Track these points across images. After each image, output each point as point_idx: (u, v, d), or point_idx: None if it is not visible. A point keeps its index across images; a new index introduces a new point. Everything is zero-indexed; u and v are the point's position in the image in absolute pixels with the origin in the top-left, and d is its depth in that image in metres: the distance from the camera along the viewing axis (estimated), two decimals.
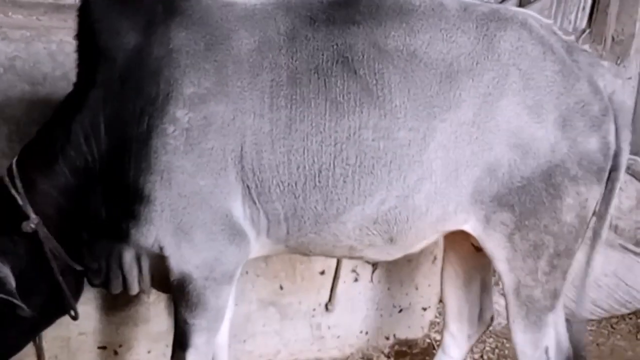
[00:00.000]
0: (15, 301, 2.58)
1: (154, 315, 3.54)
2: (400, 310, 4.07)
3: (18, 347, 2.90)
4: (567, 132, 2.73)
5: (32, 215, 2.69)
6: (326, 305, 3.85)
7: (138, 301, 3.47)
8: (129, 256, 2.81)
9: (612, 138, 2.81)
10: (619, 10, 5.58)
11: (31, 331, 2.92)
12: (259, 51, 2.62)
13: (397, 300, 4.05)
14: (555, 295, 2.87)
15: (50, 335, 3.30)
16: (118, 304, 3.44)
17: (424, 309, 4.15)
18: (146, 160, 2.59)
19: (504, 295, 2.90)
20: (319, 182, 2.66)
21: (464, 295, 3.31)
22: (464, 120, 2.67)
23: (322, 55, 2.64)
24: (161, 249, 2.70)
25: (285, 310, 3.80)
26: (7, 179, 2.74)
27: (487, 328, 3.43)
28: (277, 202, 2.68)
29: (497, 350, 4.19)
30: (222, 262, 2.74)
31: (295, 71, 2.62)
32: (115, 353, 3.51)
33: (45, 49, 4.03)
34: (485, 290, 3.34)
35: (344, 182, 2.66)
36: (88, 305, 3.37)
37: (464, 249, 3.17)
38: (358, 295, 3.94)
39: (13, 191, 2.70)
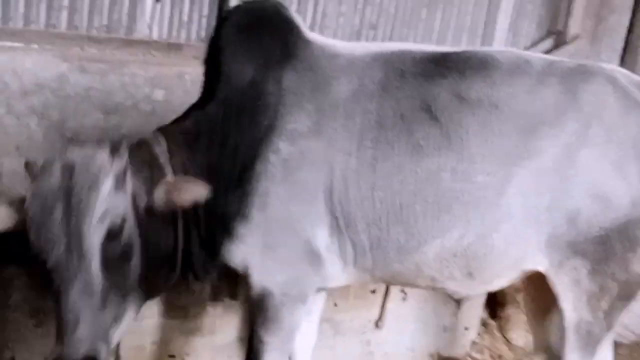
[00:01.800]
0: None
1: (219, 328, 3.77)
2: (445, 329, 4.30)
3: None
4: None
5: (170, 175, 2.74)
6: (376, 323, 4.07)
7: (205, 314, 3.72)
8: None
9: None
10: None
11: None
12: (354, 97, 2.85)
13: (442, 319, 4.27)
14: (610, 329, 3.04)
15: (127, 345, 3.52)
16: (188, 316, 3.67)
17: (466, 329, 4.37)
18: (249, 183, 2.81)
19: (564, 330, 3.00)
20: (401, 216, 2.84)
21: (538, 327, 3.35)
22: (544, 168, 2.79)
23: (408, 103, 2.83)
24: (247, 266, 2.91)
25: (338, 326, 4.01)
26: (152, 140, 2.84)
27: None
28: (362, 233, 2.87)
29: None
30: (300, 282, 2.95)
31: (383, 116, 2.82)
32: None
33: (118, 81, 4.35)
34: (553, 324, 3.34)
35: (424, 217, 2.83)
36: (161, 317, 3.63)
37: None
38: (406, 314, 4.15)
39: (157, 149, 2.78)
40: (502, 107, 2.81)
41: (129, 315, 2.68)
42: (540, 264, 2.91)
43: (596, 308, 2.94)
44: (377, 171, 2.82)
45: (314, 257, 2.92)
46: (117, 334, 2.62)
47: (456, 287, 3.03)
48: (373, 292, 4.02)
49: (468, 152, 2.79)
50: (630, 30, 5.88)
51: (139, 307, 2.77)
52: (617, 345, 4.69)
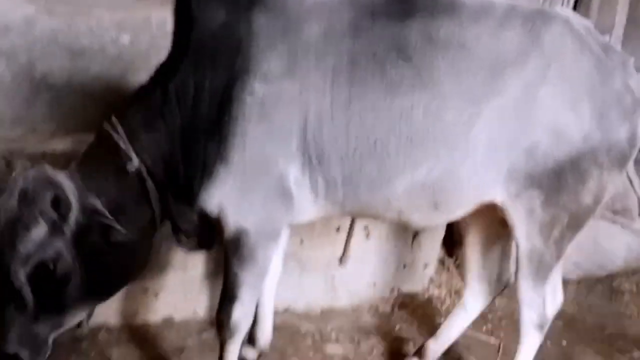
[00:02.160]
0: (106, 221, 2.92)
1: (190, 263, 3.90)
2: (405, 266, 4.47)
3: (126, 277, 3.20)
4: (601, 122, 3.00)
5: (134, 157, 2.98)
6: (340, 259, 4.18)
7: (176, 250, 3.81)
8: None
9: (639, 129, 3.10)
10: (600, 3, 5.92)
11: (131, 258, 3.14)
12: (325, 38, 2.94)
13: (402, 257, 4.43)
14: (559, 257, 3.27)
15: None
16: (160, 252, 3.75)
17: (425, 266, 4.55)
18: (227, 126, 2.91)
19: (517, 258, 3.25)
20: (374, 152, 2.98)
21: (484, 258, 3.63)
22: (507, 105, 2.95)
23: (380, 43, 2.93)
24: (222, 208, 3.02)
25: (304, 263, 4.16)
26: (109, 127, 3.02)
27: (504, 289, 3.73)
28: (334, 168, 3.00)
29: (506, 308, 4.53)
30: (273, 220, 3.08)
31: (356, 56, 2.92)
32: (156, 295, 3.89)
33: (85, 24, 4.37)
34: (504, 256, 3.65)
35: (397, 152, 2.97)
36: None
37: (487, 219, 3.46)
38: (368, 251, 4.31)
39: (116, 136, 2.99)
40: (469, 47, 2.94)
41: (75, 318, 3.07)
42: (498, 195, 3.09)
43: (548, 237, 3.14)
44: (351, 108, 2.94)
45: (285, 194, 3.04)
46: (58, 334, 3.04)
47: (421, 218, 3.18)
48: (337, 230, 4.15)
49: (439, 90, 2.92)
50: None
51: (100, 301, 3.15)
52: (565, 282, 4.98)
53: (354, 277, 4.32)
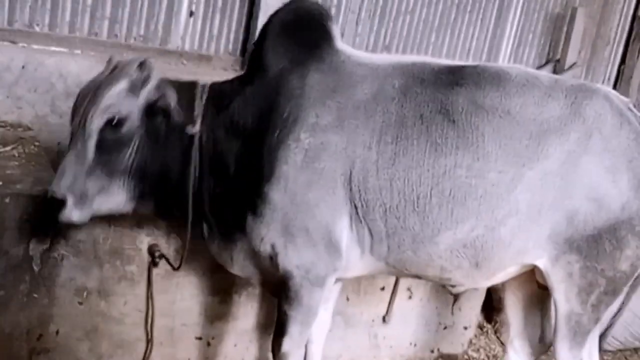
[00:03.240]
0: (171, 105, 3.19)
1: (242, 314, 4.07)
2: (445, 328, 4.60)
3: (164, 176, 3.30)
4: (638, 192, 3.13)
5: (197, 126, 3.21)
6: (383, 318, 4.36)
7: (231, 300, 4.03)
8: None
9: None
10: None
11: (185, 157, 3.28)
12: (375, 99, 3.14)
13: (443, 318, 4.57)
14: (597, 322, 3.35)
15: (158, 325, 3.84)
16: (215, 302, 3.96)
17: (465, 328, 4.68)
18: (271, 166, 3.12)
19: (555, 320, 3.34)
20: (417, 207, 3.11)
21: (526, 317, 3.70)
22: (549, 170, 3.09)
23: (427, 106, 3.12)
24: (272, 247, 3.20)
25: (349, 319, 4.31)
26: (199, 89, 3.28)
27: (547, 350, 3.76)
28: (379, 221, 3.14)
29: None
30: (316, 267, 3.20)
31: (403, 117, 3.11)
32: (208, 344, 4.03)
33: None
34: (545, 318, 3.70)
35: (439, 209, 3.09)
36: (190, 301, 3.92)
37: (527, 282, 3.55)
38: (410, 311, 4.46)
39: (198, 99, 3.24)
40: (514, 114, 3.11)
41: (116, 196, 3.24)
42: (539, 258, 3.22)
43: (585, 301, 3.25)
44: (396, 164, 3.09)
45: (331, 244, 3.17)
46: (100, 204, 3.22)
47: (462, 277, 3.30)
48: (382, 289, 4.32)
49: (483, 151, 3.07)
50: (622, 61, 6.30)
51: (134, 204, 3.30)
52: (602, 352, 5.07)
53: (396, 336, 4.47)
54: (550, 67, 5.86)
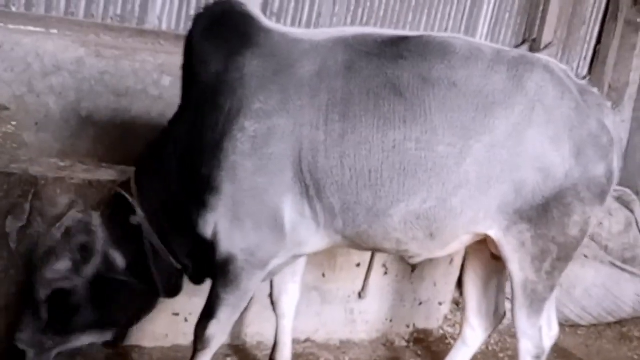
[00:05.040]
0: (122, 278, 3.35)
1: None
2: (420, 303, 4.66)
3: (139, 318, 3.60)
4: (580, 159, 3.20)
5: (139, 212, 3.33)
6: (359, 294, 4.40)
7: None
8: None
9: (615, 165, 3.30)
10: (616, 61, 6.23)
11: (148, 304, 3.57)
12: (319, 76, 3.13)
13: (418, 294, 4.63)
14: (552, 289, 3.43)
15: None
16: None
17: (440, 304, 4.74)
18: (218, 159, 3.13)
19: (512, 290, 3.41)
20: (370, 181, 3.15)
21: (483, 294, 3.78)
22: (496, 143, 3.13)
23: (374, 81, 3.12)
24: (216, 234, 3.23)
25: (325, 295, 4.36)
26: (123, 187, 3.41)
27: (500, 322, 3.92)
28: (332, 197, 3.17)
29: (500, 344, 4.78)
30: (261, 249, 3.24)
31: (349, 93, 3.10)
32: (186, 320, 4.05)
33: (130, 67, 4.71)
34: (500, 291, 3.82)
35: (391, 182, 3.13)
36: None
37: (483, 256, 3.67)
38: (386, 287, 4.50)
39: (127, 194, 3.36)
40: (460, 87, 3.14)
41: (78, 343, 3.45)
42: (490, 228, 3.28)
43: (539, 268, 3.32)
44: (345, 142, 3.10)
45: (277, 226, 3.22)
46: (65, 348, 3.44)
47: (419, 248, 3.35)
48: (358, 265, 4.36)
49: (431, 124, 3.11)
50: (598, 41, 6.35)
51: (102, 336, 3.50)
52: (575, 327, 5.17)
53: (371, 312, 4.52)
54: (526, 46, 5.91)
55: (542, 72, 3.22)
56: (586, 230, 3.35)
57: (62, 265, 3.28)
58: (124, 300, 3.43)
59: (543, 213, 3.22)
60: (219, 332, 3.38)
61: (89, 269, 3.32)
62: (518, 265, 3.33)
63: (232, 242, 3.23)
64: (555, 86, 3.22)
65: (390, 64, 3.16)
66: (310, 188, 3.17)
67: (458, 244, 3.41)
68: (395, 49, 3.21)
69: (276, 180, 3.16)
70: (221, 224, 3.22)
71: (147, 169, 3.41)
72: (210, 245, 3.29)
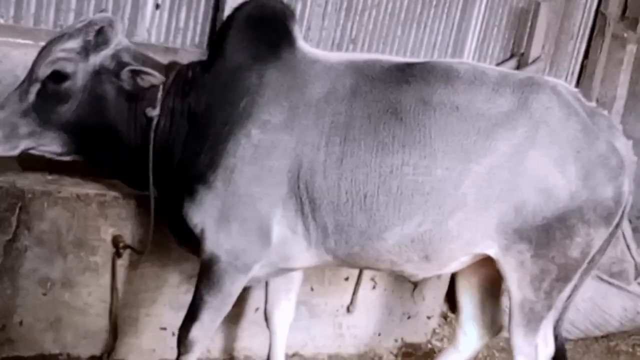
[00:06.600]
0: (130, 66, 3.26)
1: None
2: (409, 317, 4.67)
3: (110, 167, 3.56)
4: (588, 182, 3.21)
5: (157, 110, 3.30)
6: (348, 308, 4.42)
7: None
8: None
9: (625, 188, 3.31)
10: (603, 76, 6.26)
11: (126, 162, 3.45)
12: (326, 99, 3.22)
13: (407, 308, 4.64)
14: (550, 308, 3.45)
15: (122, 316, 3.89)
16: (179, 293, 3.99)
17: (428, 318, 4.75)
18: (219, 155, 3.19)
19: (509, 307, 3.42)
20: (364, 205, 3.18)
21: (476, 300, 3.80)
22: (497, 164, 3.15)
23: (376, 105, 3.18)
24: (202, 231, 3.26)
25: (314, 309, 4.36)
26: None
27: (497, 333, 3.90)
28: (326, 218, 3.21)
29: (487, 358, 4.80)
30: (246, 253, 3.27)
31: (352, 117, 3.18)
32: (173, 334, 3.91)
33: None
34: (496, 304, 3.83)
35: (386, 206, 3.17)
36: (155, 291, 3.97)
37: (476, 264, 3.56)
38: (374, 301, 4.52)
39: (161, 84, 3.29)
40: (462, 111, 3.18)
41: (49, 146, 3.35)
42: (489, 248, 3.29)
43: (538, 288, 3.33)
44: (343, 164, 3.16)
45: (264, 235, 3.25)
46: (29, 146, 3.33)
47: (414, 269, 3.37)
48: (346, 279, 4.38)
49: (430, 149, 3.15)
50: (586, 56, 6.40)
51: (64, 151, 3.40)
52: (563, 340, 5.16)
53: (360, 326, 4.53)
54: (514, 61, 5.94)
55: (548, 94, 3.25)
56: (588, 252, 3.35)
57: (73, 44, 3.24)
58: (108, 131, 3.35)
59: (544, 233, 3.23)
60: (201, 336, 3.39)
61: (97, 59, 3.27)
62: (517, 284, 3.35)
63: (217, 242, 3.27)
64: (562, 108, 3.24)
65: (393, 89, 3.23)
66: (306, 206, 3.20)
67: (458, 264, 3.43)
68: (400, 74, 3.28)
69: (271, 192, 3.21)
70: (208, 222, 3.25)
71: (180, 87, 3.40)
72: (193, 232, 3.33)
